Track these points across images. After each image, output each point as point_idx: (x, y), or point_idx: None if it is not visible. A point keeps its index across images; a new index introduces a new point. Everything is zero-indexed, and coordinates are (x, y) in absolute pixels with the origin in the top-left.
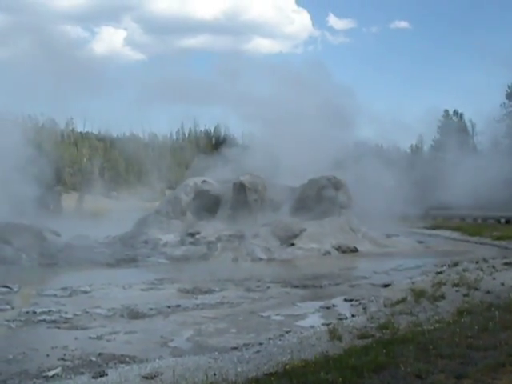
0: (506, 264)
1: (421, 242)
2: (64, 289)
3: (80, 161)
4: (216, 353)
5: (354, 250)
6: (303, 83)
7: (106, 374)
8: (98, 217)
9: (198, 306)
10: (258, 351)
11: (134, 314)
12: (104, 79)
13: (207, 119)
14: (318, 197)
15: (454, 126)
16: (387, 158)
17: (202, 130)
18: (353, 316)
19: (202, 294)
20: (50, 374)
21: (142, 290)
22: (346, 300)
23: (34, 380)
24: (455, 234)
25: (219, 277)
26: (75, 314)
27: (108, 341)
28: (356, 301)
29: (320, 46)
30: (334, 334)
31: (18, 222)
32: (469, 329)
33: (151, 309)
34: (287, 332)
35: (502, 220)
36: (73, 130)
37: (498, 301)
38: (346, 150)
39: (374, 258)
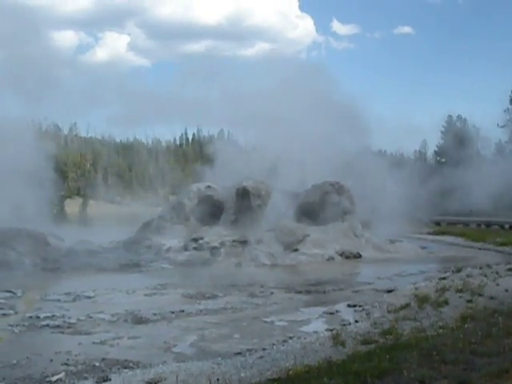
0: (509, 270)
1: (424, 248)
2: (67, 294)
3: (83, 166)
4: (219, 358)
5: (358, 256)
6: (306, 87)
7: (110, 379)
8: (101, 222)
9: (201, 311)
10: (261, 357)
11: (138, 319)
12: (107, 84)
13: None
14: (322, 202)
15: (458, 131)
16: (392, 163)
17: (206, 135)
18: (356, 322)
19: (205, 299)
20: (54, 378)
21: (146, 295)
22: (349, 306)
23: None
24: (459, 240)
25: (222, 282)
26: (79, 319)
27: (111, 346)
28: (359, 306)
29: (324, 52)
30: (337, 340)
31: (22, 227)
32: (472, 335)
33: (155, 314)
34: (290, 337)
35: (506, 226)
36: (76, 135)
37: (502, 307)
38: (349, 156)
39: (377, 264)
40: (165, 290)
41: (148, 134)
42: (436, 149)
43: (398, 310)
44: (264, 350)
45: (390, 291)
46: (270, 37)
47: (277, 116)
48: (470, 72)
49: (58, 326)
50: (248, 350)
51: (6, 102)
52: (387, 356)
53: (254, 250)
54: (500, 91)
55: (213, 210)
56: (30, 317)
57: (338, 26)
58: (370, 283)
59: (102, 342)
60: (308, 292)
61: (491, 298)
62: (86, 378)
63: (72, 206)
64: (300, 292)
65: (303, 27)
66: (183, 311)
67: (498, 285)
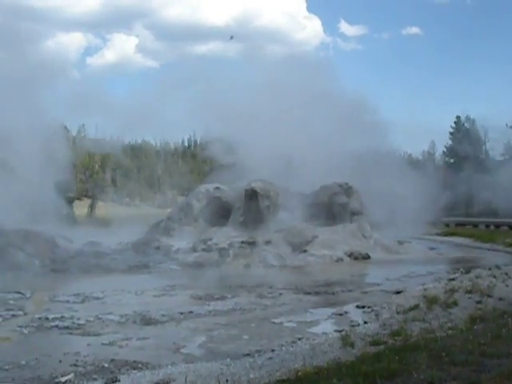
0: None
1: (433, 249)
2: (76, 295)
3: (92, 167)
4: (228, 359)
5: (366, 257)
6: (314, 89)
7: (119, 380)
8: (110, 223)
9: (210, 312)
10: (270, 358)
11: (147, 321)
12: (115, 85)
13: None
14: (330, 203)
15: (466, 132)
16: (400, 163)
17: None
18: (365, 323)
19: (214, 300)
20: (63, 379)
21: (155, 296)
22: (358, 307)
23: None
24: (468, 241)
25: (231, 283)
26: (88, 320)
27: (120, 347)
28: (368, 307)
29: (331, 52)
30: (346, 341)
31: (31, 228)
32: (482, 336)
33: (164, 315)
34: (299, 339)
35: None
36: (85, 137)
37: (511, 308)
38: (358, 156)
39: (386, 265)
40: (173, 291)
41: (156, 136)
42: (444, 149)
43: (407, 311)
44: (273, 351)
45: (398, 292)
46: (277, 38)
47: (286, 116)
48: (478, 73)
49: (67, 327)
50: (257, 351)
51: (15, 104)
52: (396, 357)
53: (263, 251)
54: (509, 92)
55: (221, 211)
56: (39, 318)
57: (345, 27)
58: (378, 284)
59: (111, 343)
60: (317, 293)
61: (500, 299)
62: (95, 379)
63: (80, 208)
64: (309, 293)
65: (311, 28)
66: (192, 312)
67: (507, 286)
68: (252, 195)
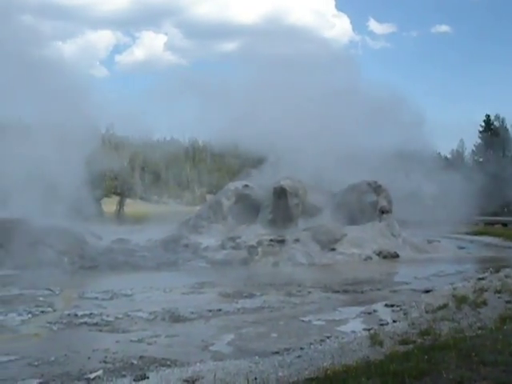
0: None
1: (462, 248)
2: (105, 292)
3: (120, 165)
4: (257, 357)
5: (395, 256)
6: (342, 86)
7: (147, 377)
8: (138, 220)
9: (238, 310)
10: (299, 356)
11: (175, 318)
12: (144, 83)
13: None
14: (359, 202)
15: (496, 130)
16: (429, 162)
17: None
18: (394, 321)
19: (242, 298)
20: (92, 376)
21: (183, 293)
22: (387, 305)
23: (76, 382)
24: (497, 240)
25: (260, 281)
26: (116, 317)
27: (149, 344)
28: (397, 306)
29: (360, 51)
30: (375, 340)
31: (60, 225)
32: None
33: (192, 312)
34: (328, 337)
35: None
36: (113, 135)
37: None
38: (386, 154)
39: (414, 264)
40: (202, 289)
41: (185, 133)
42: (474, 148)
43: (436, 310)
44: (302, 349)
45: (427, 291)
46: (306, 36)
47: (314, 115)
48: (508, 71)
49: (96, 324)
50: (286, 349)
51: (45, 102)
52: (425, 356)
53: (292, 249)
54: None
55: (250, 209)
56: (68, 314)
57: (374, 25)
58: (407, 283)
59: (140, 340)
60: (345, 291)
61: None
62: (123, 376)
63: (109, 205)
64: (337, 291)
65: (340, 26)
66: (221, 310)
67: None
68: (281, 193)
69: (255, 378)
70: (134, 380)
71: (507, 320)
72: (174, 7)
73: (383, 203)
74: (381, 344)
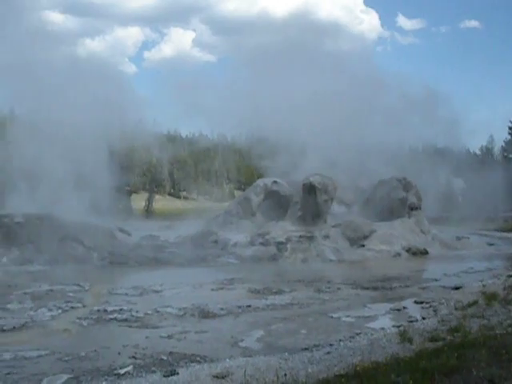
0: None
1: (492, 245)
2: (135, 288)
3: (149, 161)
4: (286, 353)
5: (424, 252)
6: (370, 82)
7: (177, 373)
8: (167, 217)
9: (268, 306)
10: (328, 352)
11: (205, 314)
12: (172, 79)
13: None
14: (388, 198)
15: None
16: (459, 158)
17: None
18: (423, 318)
19: (272, 294)
20: (122, 371)
21: (213, 289)
22: (416, 302)
23: (106, 377)
24: None
25: (289, 277)
26: (146, 313)
27: (179, 340)
28: (426, 303)
29: (389, 47)
30: (404, 337)
31: (90, 221)
32: None
33: (222, 309)
34: (357, 333)
35: None
36: (143, 131)
37: None
38: (415, 150)
39: (444, 261)
40: (231, 285)
41: (214, 129)
42: (503, 144)
43: (466, 307)
44: (331, 345)
45: (457, 288)
46: (335, 32)
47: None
48: None
49: (126, 320)
50: (315, 345)
51: (78, 100)
52: (455, 354)
53: (321, 245)
54: None
55: (279, 205)
56: (98, 310)
57: (403, 21)
58: (436, 280)
59: (169, 336)
60: (375, 288)
61: None
62: (153, 372)
63: (138, 201)
64: (367, 288)
65: (368, 22)
66: (250, 306)
67: None
68: (310, 189)
69: (285, 375)
70: (164, 376)
71: None
72: (203, 3)
73: (412, 199)
74: (410, 341)
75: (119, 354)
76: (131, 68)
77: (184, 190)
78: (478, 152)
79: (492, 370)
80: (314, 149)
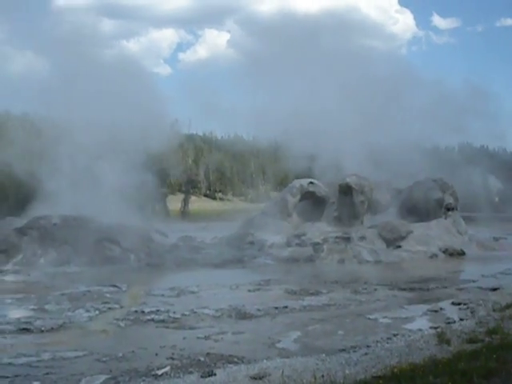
0: None
1: None
2: (172, 289)
3: (185, 163)
4: (323, 354)
5: (461, 253)
6: (405, 82)
7: (215, 374)
8: (203, 218)
9: (304, 307)
10: (365, 354)
11: (242, 315)
12: (208, 81)
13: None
14: (425, 199)
15: None
16: (494, 158)
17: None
18: (461, 320)
19: (308, 295)
20: (160, 372)
21: (249, 290)
22: (453, 303)
23: (144, 378)
24: None
25: (326, 278)
26: (183, 314)
27: (216, 341)
28: (464, 304)
29: (424, 46)
30: (442, 338)
31: (126, 222)
32: None
33: (258, 310)
34: (395, 335)
35: None
36: (178, 132)
37: None
38: (451, 151)
39: (481, 261)
40: (268, 286)
41: (249, 131)
42: None
43: (504, 308)
44: (368, 347)
45: (494, 289)
46: (370, 32)
47: (378, 112)
48: None
49: (163, 321)
50: (352, 346)
51: (113, 99)
52: (494, 355)
53: (357, 246)
54: None
55: (315, 206)
56: (135, 311)
57: (438, 20)
58: (474, 281)
59: (207, 337)
60: (411, 289)
61: None
62: (191, 373)
63: (174, 203)
64: (403, 289)
65: (403, 22)
66: (287, 307)
67: None
68: (346, 190)
69: (322, 376)
70: (202, 376)
71: None
72: (236, 4)
73: (449, 200)
74: (448, 342)
75: (156, 354)
76: (166, 70)
77: (220, 191)
78: None
79: None
80: (350, 149)
